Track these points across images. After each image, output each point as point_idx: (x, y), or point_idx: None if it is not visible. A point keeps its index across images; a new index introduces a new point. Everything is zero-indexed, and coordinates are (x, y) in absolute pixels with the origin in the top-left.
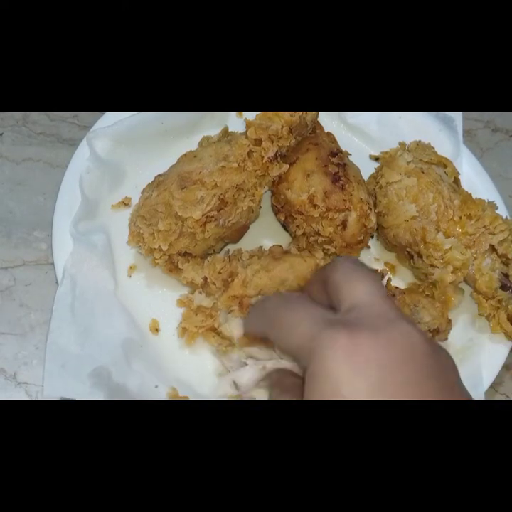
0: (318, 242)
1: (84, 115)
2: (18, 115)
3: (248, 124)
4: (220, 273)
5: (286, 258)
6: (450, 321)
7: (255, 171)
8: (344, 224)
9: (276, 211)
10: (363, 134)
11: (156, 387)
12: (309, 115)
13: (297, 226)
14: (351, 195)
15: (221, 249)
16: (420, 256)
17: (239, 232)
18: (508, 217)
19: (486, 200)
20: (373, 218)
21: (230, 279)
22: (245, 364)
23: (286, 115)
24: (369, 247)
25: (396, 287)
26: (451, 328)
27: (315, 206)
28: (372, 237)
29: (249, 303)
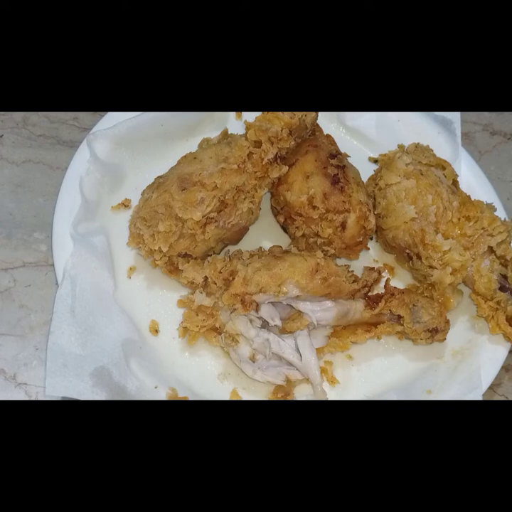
0: (318, 243)
1: (84, 117)
2: (18, 117)
3: (248, 126)
4: (220, 272)
5: (287, 257)
6: (448, 321)
7: (255, 172)
8: (343, 225)
9: (275, 213)
10: (362, 136)
11: (156, 387)
12: (309, 117)
13: (297, 227)
14: (350, 196)
15: (221, 251)
16: (419, 257)
17: (239, 234)
18: (507, 219)
19: (485, 202)
20: (372, 220)
21: (230, 278)
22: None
23: (286, 117)
24: (368, 249)
25: (395, 287)
26: (449, 328)
27: (314, 208)
28: (371, 238)
29: (251, 300)
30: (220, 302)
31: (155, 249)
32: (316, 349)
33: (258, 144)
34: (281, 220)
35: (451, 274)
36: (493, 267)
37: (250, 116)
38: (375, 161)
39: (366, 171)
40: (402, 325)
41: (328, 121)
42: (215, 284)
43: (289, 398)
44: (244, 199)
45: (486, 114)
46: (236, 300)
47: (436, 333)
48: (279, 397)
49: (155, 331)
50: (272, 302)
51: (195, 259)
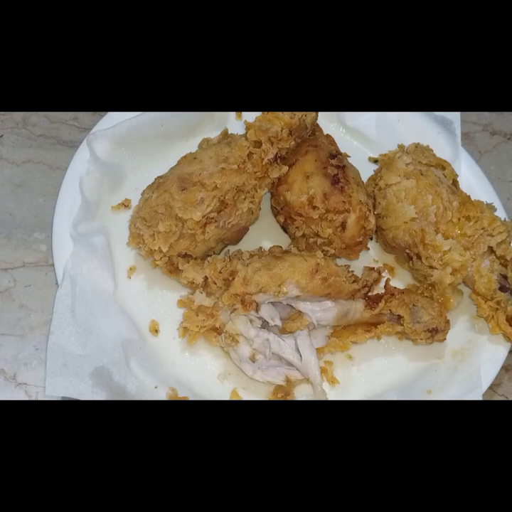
0: (318, 243)
1: (84, 117)
2: (18, 117)
3: (248, 126)
4: (220, 272)
5: (287, 257)
6: (448, 321)
7: (255, 172)
8: (343, 225)
9: (275, 213)
10: (362, 136)
11: (156, 387)
12: (309, 117)
13: (297, 228)
14: (350, 196)
15: (221, 251)
16: (419, 257)
17: (239, 234)
18: (507, 219)
19: (485, 202)
20: (372, 220)
21: (230, 278)
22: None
23: (286, 117)
24: (368, 249)
25: (395, 287)
26: (449, 329)
27: (314, 208)
28: (371, 238)
29: (251, 300)
30: (220, 302)
31: (155, 249)
32: (316, 349)
33: (258, 144)
34: (281, 220)
35: (451, 274)
36: (493, 267)
37: (250, 116)
38: (375, 161)
39: (366, 171)
40: (402, 325)
41: (328, 121)
42: (215, 284)
43: (289, 398)
44: (244, 199)
45: (486, 114)
46: (236, 300)
47: (436, 333)
48: (279, 397)
49: (155, 331)
50: (271, 302)
51: (195, 259)
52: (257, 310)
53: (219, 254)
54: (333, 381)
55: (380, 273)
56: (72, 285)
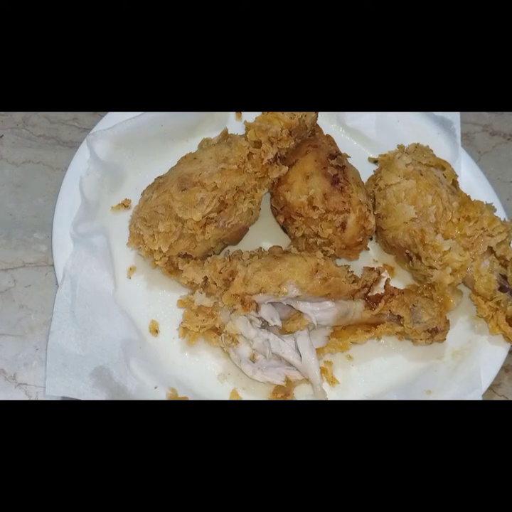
0: (318, 243)
1: (83, 117)
2: (18, 117)
3: (248, 127)
4: (220, 273)
5: (287, 257)
6: (448, 321)
7: (255, 173)
8: (343, 226)
9: (275, 213)
10: (362, 136)
11: (156, 388)
12: (309, 117)
13: (296, 228)
14: (350, 197)
15: (221, 251)
16: (419, 258)
17: (238, 234)
18: (507, 219)
19: (485, 202)
20: (372, 220)
21: (230, 278)
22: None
23: (285, 117)
24: (368, 249)
25: (395, 288)
26: (449, 329)
27: (314, 208)
28: (371, 239)
29: (251, 301)
30: (220, 302)
31: (155, 250)
32: (316, 349)
33: (258, 144)
34: (281, 220)
35: (451, 274)
36: (492, 267)
37: (250, 116)
38: (375, 162)
39: (366, 171)
40: (402, 325)
41: (328, 122)
42: (215, 284)
43: (288, 398)
44: (244, 199)
45: (485, 114)
46: (236, 300)
47: (436, 333)
48: (279, 397)
49: (155, 331)
50: (271, 302)
51: (195, 260)
52: (257, 310)
53: (219, 254)
54: (333, 381)
55: (379, 273)
56: (72, 285)
